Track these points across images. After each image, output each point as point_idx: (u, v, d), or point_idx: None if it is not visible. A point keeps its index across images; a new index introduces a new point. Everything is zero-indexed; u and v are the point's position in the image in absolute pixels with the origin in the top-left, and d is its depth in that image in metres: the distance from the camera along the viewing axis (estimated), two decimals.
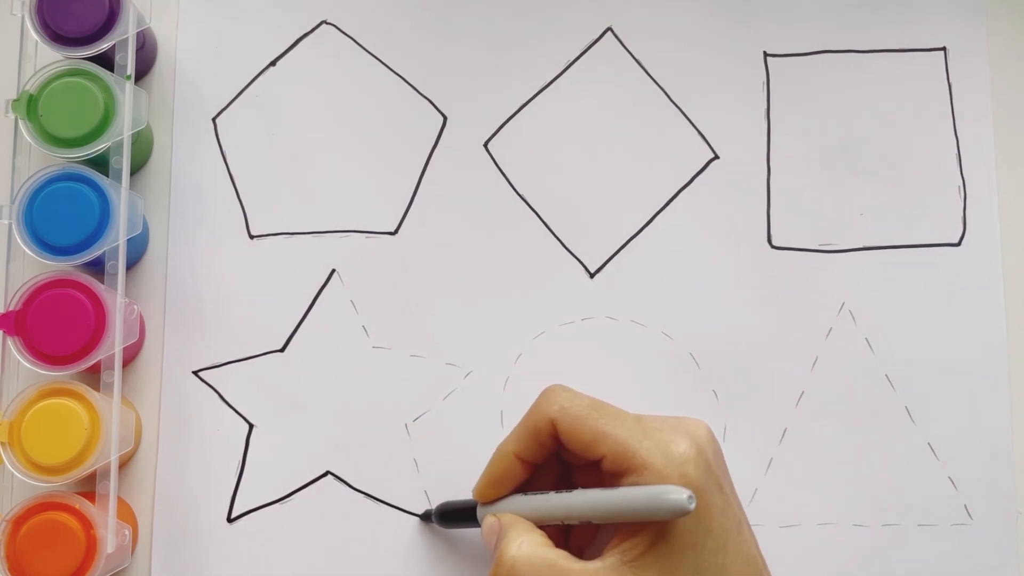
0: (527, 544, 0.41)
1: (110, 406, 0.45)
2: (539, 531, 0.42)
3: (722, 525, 0.39)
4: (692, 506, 0.37)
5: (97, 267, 0.47)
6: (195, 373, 0.50)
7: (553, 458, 0.44)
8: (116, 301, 0.46)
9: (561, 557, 0.40)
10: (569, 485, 0.43)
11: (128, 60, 0.47)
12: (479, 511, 0.45)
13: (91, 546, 0.44)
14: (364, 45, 0.53)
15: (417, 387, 0.50)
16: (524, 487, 0.44)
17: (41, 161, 0.48)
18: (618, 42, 0.53)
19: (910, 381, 0.51)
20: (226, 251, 0.51)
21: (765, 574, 0.40)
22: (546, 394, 0.43)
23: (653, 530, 0.39)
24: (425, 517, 0.49)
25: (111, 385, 0.46)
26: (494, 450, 0.44)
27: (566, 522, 0.42)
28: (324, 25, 0.53)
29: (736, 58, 0.53)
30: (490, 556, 0.42)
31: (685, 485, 0.38)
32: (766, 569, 0.41)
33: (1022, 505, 0.50)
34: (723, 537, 0.39)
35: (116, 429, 0.45)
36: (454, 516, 0.47)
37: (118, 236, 0.46)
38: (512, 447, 0.43)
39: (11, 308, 0.45)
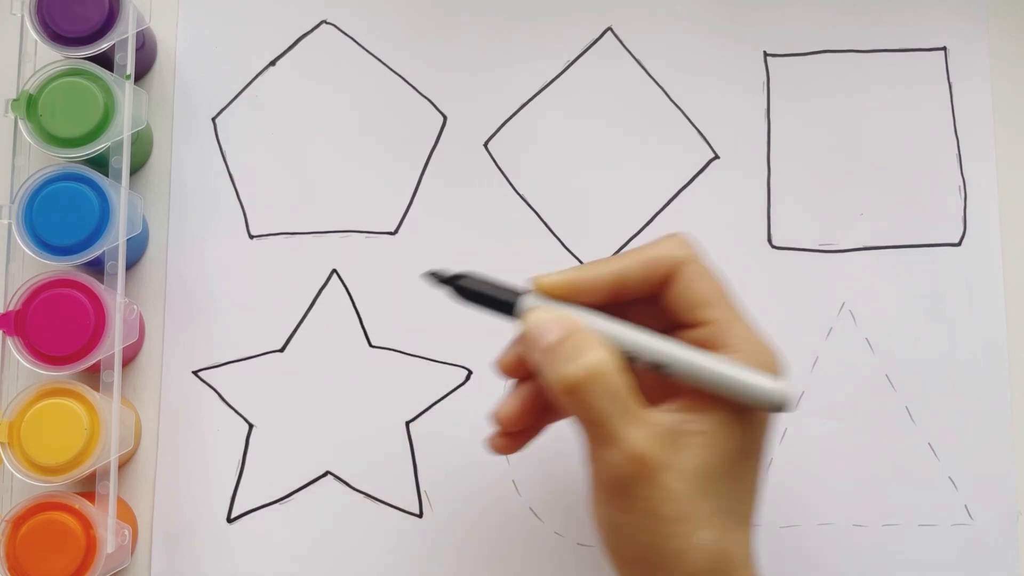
0: (610, 359, 0.37)
1: (110, 406, 0.45)
2: (615, 350, 0.37)
3: (765, 456, 0.38)
4: (790, 408, 0.36)
5: (97, 267, 0.47)
6: (195, 373, 0.50)
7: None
8: (116, 301, 0.46)
9: (633, 391, 0.37)
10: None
11: (128, 60, 0.47)
12: (527, 299, 0.39)
13: (91, 546, 0.44)
14: (364, 45, 0.53)
15: (417, 387, 0.50)
16: None
17: (41, 161, 0.48)
18: (618, 42, 0.53)
19: (910, 381, 0.51)
20: (226, 251, 0.51)
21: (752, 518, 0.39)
22: (676, 236, 0.39)
23: (720, 416, 0.37)
24: (441, 280, 0.40)
25: (111, 385, 0.46)
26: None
27: (644, 363, 0.38)
28: (324, 25, 0.53)
29: (736, 58, 0.53)
30: (537, 351, 0.38)
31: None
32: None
33: (1022, 505, 0.50)
34: (761, 465, 0.38)
35: (116, 429, 0.45)
36: (487, 296, 0.40)
37: (118, 236, 0.46)
38: (614, 267, 0.39)
39: (11, 308, 0.45)
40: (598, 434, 0.37)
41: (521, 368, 0.41)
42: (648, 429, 0.36)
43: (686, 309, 0.39)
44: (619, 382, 0.37)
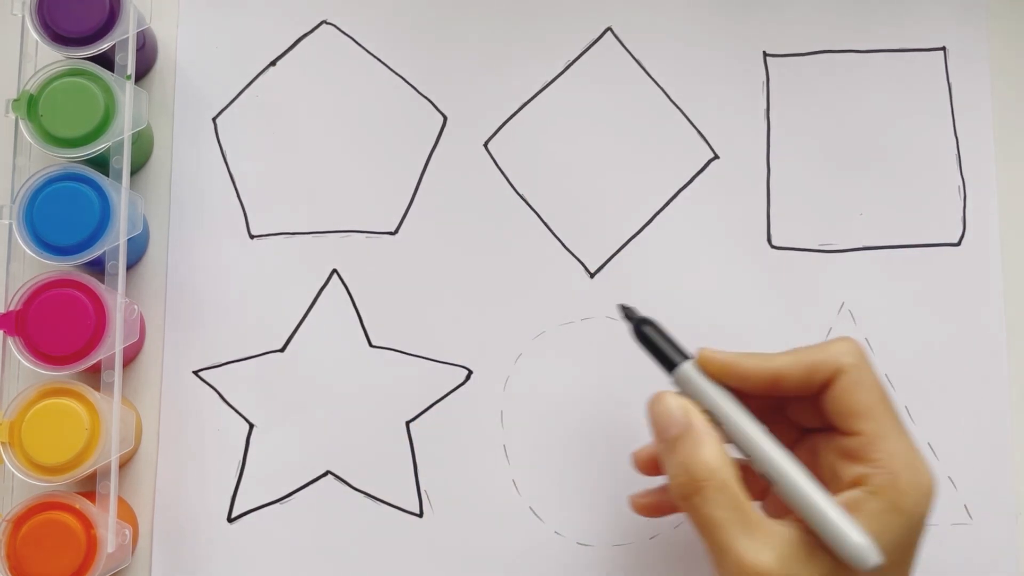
0: (726, 468, 0.37)
1: (110, 406, 0.45)
2: (732, 459, 0.38)
3: (913, 563, 0.37)
4: (867, 566, 0.35)
5: (97, 267, 0.47)
6: (195, 373, 0.50)
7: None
8: (116, 301, 0.46)
9: (748, 501, 0.37)
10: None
11: (128, 60, 0.47)
12: (684, 371, 0.40)
13: (91, 546, 0.44)
14: (364, 45, 0.53)
15: (417, 387, 0.50)
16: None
17: (41, 161, 0.48)
18: (618, 42, 0.53)
19: (910, 381, 0.51)
20: (226, 251, 0.51)
21: None
22: (844, 342, 0.39)
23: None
24: (628, 316, 0.43)
25: (111, 385, 0.46)
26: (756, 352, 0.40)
27: (756, 469, 0.38)
28: (324, 25, 0.53)
29: (736, 58, 0.53)
30: (659, 441, 0.39)
31: (916, 517, 0.37)
32: None
33: (1022, 505, 0.50)
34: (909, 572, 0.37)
35: (116, 429, 0.45)
36: (657, 347, 0.42)
37: (118, 236, 0.46)
38: (779, 364, 0.39)
39: (11, 308, 0.45)
40: (712, 544, 0.37)
41: (654, 466, 0.43)
42: (764, 541, 0.36)
43: (840, 417, 0.38)
44: (734, 492, 0.37)
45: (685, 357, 0.41)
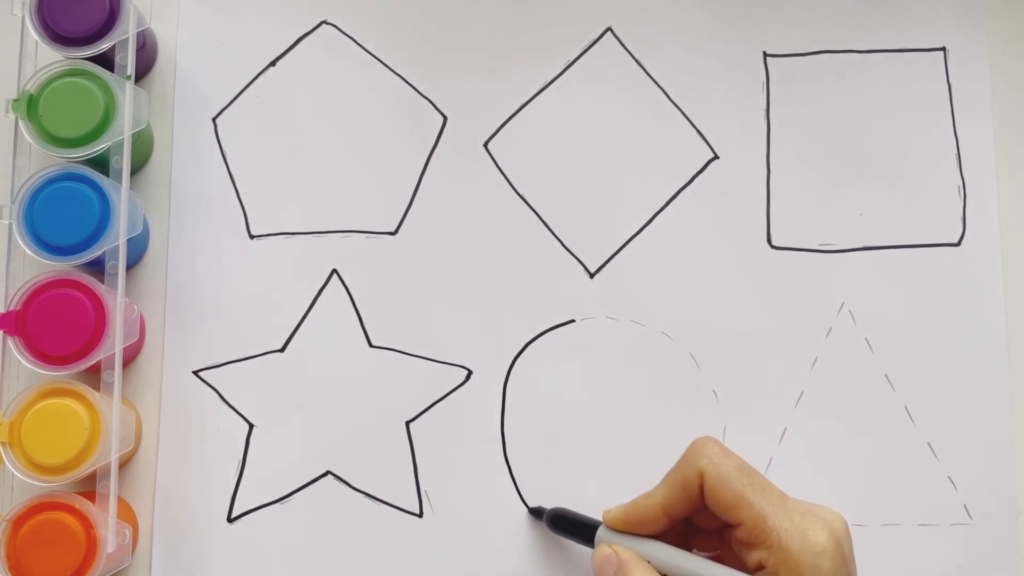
0: None
1: (110, 406, 0.45)
2: None
3: None
4: None
5: (97, 267, 0.47)
6: (195, 373, 0.50)
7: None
8: (116, 301, 0.46)
9: None
10: (686, 547, 0.43)
11: (128, 60, 0.47)
12: (600, 534, 0.44)
13: (91, 546, 0.44)
14: (364, 45, 0.53)
15: (417, 387, 0.50)
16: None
17: (41, 161, 0.48)
18: (618, 42, 0.53)
19: (910, 381, 0.51)
20: (226, 251, 0.51)
21: None
22: (696, 445, 0.42)
23: None
24: (535, 513, 0.49)
25: (111, 385, 0.46)
26: (639, 494, 0.43)
27: None
28: (324, 25, 0.53)
29: (736, 58, 0.53)
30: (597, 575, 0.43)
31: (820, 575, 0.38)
32: None
33: (1022, 505, 0.50)
34: None
35: (116, 429, 0.45)
36: (568, 527, 0.47)
37: (118, 236, 0.46)
38: (659, 497, 0.42)
39: (11, 308, 0.45)
40: None
41: None
42: None
43: (722, 512, 0.41)
44: None
45: (596, 525, 0.45)
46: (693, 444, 0.42)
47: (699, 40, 0.53)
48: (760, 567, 0.39)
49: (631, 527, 0.43)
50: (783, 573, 0.39)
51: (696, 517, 0.43)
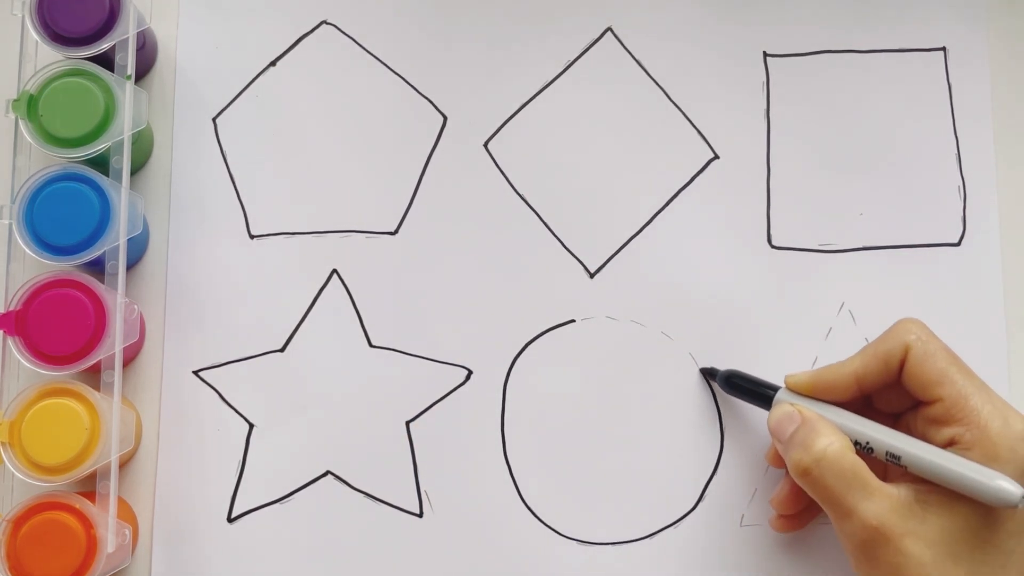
0: (838, 444, 0.41)
1: (110, 406, 0.45)
2: (846, 437, 0.42)
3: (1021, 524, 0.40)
4: (1013, 503, 0.38)
5: (97, 267, 0.47)
6: (195, 373, 0.50)
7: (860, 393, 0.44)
8: (116, 301, 0.46)
9: (865, 469, 0.41)
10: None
11: (128, 60, 0.47)
12: (780, 395, 0.45)
13: (91, 546, 0.44)
14: (364, 45, 0.53)
15: (417, 387, 0.50)
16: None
17: (41, 161, 0.48)
18: (618, 42, 0.53)
19: None
20: (226, 251, 0.51)
21: None
22: (903, 323, 0.43)
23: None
24: (707, 374, 0.50)
25: (111, 385, 0.46)
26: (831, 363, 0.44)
27: (881, 455, 0.42)
28: (324, 25, 0.53)
29: (736, 58, 0.53)
30: (780, 443, 0.43)
31: (1016, 462, 0.39)
32: None
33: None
34: (1019, 535, 0.40)
35: (116, 429, 0.45)
36: (744, 387, 0.47)
37: (118, 236, 0.46)
38: (855, 366, 0.44)
39: (11, 308, 0.45)
40: (835, 511, 0.41)
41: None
42: (883, 501, 0.40)
43: (920, 389, 0.42)
44: (849, 462, 0.41)
45: (775, 388, 0.46)
46: (899, 322, 0.43)
47: (699, 40, 0.53)
48: (950, 445, 0.41)
49: (817, 392, 0.44)
50: (977, 450, 0.40)
51: (877, 398, 0.45)
